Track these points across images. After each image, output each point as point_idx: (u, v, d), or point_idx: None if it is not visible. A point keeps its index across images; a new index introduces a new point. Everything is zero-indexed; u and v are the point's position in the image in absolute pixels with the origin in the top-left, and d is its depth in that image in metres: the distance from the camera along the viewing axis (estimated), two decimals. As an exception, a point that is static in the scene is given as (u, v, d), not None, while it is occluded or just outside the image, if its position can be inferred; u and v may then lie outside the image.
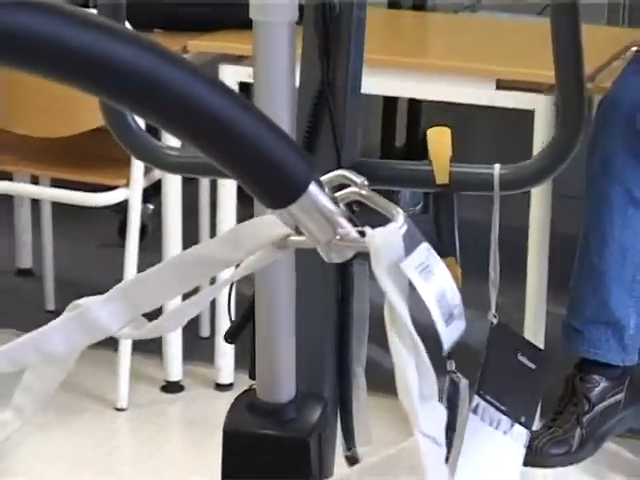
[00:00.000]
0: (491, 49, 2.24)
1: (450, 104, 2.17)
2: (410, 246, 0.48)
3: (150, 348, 2.24)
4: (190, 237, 2.17)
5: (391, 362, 0.47)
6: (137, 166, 2.08)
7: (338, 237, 0.48)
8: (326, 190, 0.47)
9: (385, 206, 0.49)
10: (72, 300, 0.52)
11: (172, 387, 2.30)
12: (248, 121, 0.43)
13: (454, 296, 0.49)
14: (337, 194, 0.49)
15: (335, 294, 0.85)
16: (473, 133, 3.34)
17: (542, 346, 1.81)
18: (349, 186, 0.56)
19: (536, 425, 1.62)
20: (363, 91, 0.89)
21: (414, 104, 3.19)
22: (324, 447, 0.79)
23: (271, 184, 0.44)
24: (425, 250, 0.48)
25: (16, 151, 2.27)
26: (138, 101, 0.40)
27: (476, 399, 0.84)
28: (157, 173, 2.13)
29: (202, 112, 0.41)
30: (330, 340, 0.86)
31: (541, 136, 1.88)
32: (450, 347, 0.49)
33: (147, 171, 2.12)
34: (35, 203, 2.62)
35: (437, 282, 0.48)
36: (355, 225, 0.48)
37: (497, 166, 0.82)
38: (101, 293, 0.51)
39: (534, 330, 2.03)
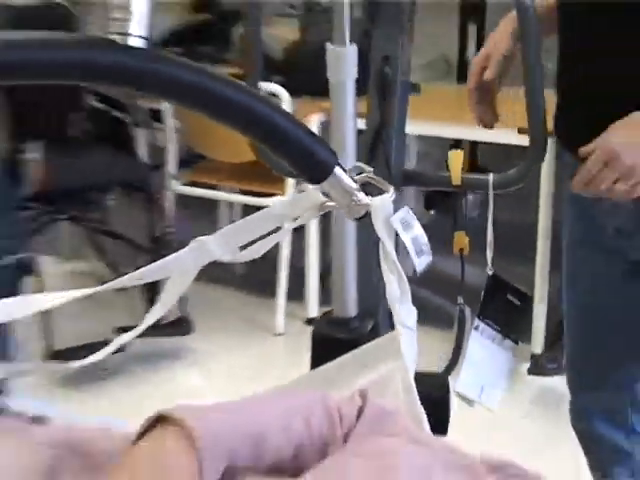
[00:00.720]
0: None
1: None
2: (396, 208, 0.78)
3: (296, 294, 3.12)
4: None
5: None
6: (289, 180, 2.84)
7: (354, 202, 0.79)
8: (347, 173, 0.78)
9: (383, 185, 0.79)
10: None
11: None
12: (299, 132, 0.75)
13: (423, 240, 0.79)
14: (356, 177, 0.80)
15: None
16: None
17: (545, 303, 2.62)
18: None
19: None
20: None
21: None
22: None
23: (311, 168, 0.76)
24: (406, 211, 0.79)
25: (218, 169, 3.30)
26: (242, 123, 0.73)
27: (477, 321, 1.18)
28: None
29: (273, 126, 0.73)
30: (377, 274, 1.20)
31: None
32: (421, 271, 0.79)
33: (297, 183, 2.81)
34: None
35: (413, 230, 0.78)
36: (365, 195, 0.79)
37: (491, 175, 1.21)
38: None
39: (541, 294, 2.68)
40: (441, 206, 3.22)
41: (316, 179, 0.76)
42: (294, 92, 2.90)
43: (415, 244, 0.78)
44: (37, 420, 0.84)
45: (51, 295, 0.85)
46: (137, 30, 0.65)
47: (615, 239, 1.32)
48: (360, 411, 0.69)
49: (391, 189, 0.78)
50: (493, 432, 2.18)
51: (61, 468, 0.68)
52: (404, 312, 0.78)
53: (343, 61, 1.04)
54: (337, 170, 0.76)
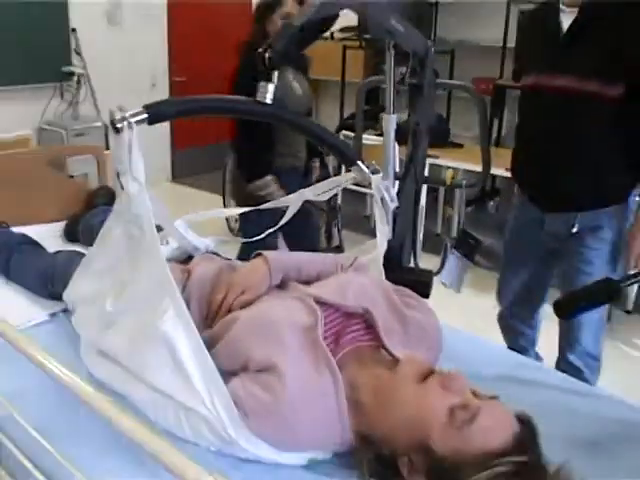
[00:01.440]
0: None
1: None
2: (385, 180, 1.77)
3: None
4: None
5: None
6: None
7: (368, 177, 1.77)
8: (370, 168, 1.77)
9: (382, 172, 1.77)
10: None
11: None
12: (346, 145, 1.76)
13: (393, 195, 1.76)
14: (373, 169, 1.78)
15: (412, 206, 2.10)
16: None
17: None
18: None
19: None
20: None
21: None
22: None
23: (346, 159, 1.77)
24: (390, 182, 1.77)
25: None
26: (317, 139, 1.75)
27: (453, 250, 2.12)
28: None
29: (334, 141, 1.75)
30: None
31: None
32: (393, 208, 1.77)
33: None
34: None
35: (392, 192, 1.76)
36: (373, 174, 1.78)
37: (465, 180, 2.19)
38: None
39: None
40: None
41: (349, 165, 1.76)
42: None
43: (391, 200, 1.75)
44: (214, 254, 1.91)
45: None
46: (268, 98, 1.59)
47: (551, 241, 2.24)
48: (351, 265, 1.67)
49: (381, 171, 1.76)
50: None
51: (222, 271, 1.67)
52: (382, 233, 1.76)
53: (389, 123, 1.92)
54: (359, 162, 1.75)
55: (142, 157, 1.41)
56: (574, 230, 2.06)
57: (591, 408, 1.48)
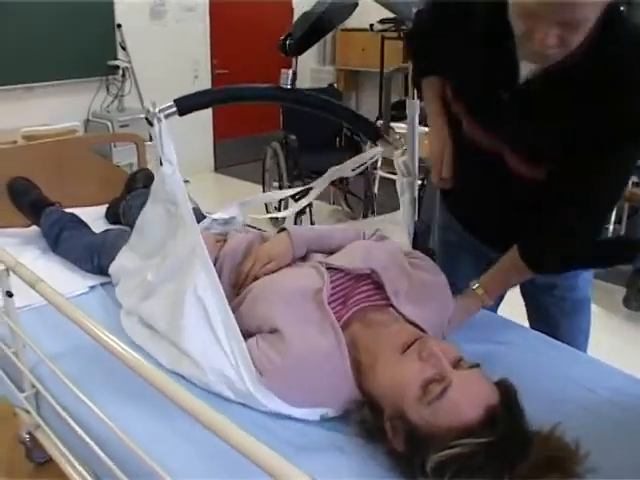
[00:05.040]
0: None
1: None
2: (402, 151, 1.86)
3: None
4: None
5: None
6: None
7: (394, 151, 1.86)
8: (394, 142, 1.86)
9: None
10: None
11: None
12: (361, 116, 1.85)
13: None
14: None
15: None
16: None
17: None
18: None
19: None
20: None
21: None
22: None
23: (370, 134, 1.86)
24: (403, 151, 1.86)
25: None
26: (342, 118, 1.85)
27: None
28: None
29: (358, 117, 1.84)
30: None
31: None
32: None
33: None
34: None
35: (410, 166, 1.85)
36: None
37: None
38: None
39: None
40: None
41: (373, 139, 1.85)
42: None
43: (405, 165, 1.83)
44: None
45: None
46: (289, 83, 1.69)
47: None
48: (373, 235, 1.75)
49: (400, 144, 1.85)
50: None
51: (254, 242, 1.76)
52: (404, 201, 1.85)
53: (412, 107, 1.97)
54: (384, 136, 1.84)
55: (173, 144, 1.54)
56: None
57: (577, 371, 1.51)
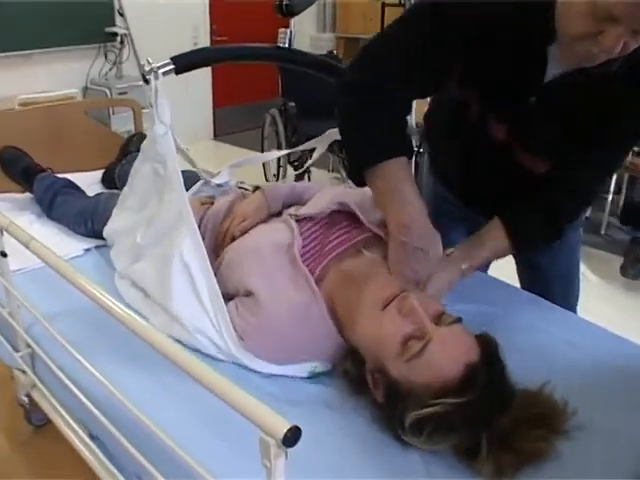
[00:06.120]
0: None
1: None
2: None
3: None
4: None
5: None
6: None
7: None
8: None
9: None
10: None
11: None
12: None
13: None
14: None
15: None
16: None
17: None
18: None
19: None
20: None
21: None
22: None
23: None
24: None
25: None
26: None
27: None
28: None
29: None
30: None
31: None
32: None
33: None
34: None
35: None
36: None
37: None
38: None
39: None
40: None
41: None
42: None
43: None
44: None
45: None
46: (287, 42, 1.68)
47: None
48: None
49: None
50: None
51: (235, 202, 1.73)
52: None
53: None
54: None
55: (168, 104, 1.52)
56: None
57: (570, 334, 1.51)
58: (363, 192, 1.50)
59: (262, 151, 5.05)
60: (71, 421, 1.47)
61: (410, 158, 1.32)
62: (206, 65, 1.64)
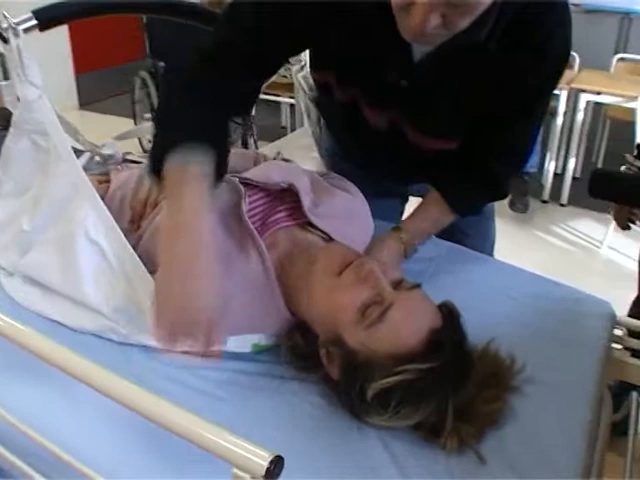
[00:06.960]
0: None
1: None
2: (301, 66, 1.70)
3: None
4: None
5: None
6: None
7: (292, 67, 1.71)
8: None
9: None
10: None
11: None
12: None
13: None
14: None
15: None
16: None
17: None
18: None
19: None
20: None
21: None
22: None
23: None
24: (301, 66, 1.70)
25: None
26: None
27: None
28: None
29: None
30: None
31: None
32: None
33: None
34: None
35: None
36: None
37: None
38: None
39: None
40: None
41: None
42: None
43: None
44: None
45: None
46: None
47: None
48: (274, 158, 1.60)
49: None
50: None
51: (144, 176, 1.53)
52: (315, 123, 1.71)
53: None
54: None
55: (36, 62, 1.32)
56: None
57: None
58: (307, 169, 1.44)
59: (134, 117, 4.79)
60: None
61: (219, 172, 1.16)
62: (76, 18, 1.43)
